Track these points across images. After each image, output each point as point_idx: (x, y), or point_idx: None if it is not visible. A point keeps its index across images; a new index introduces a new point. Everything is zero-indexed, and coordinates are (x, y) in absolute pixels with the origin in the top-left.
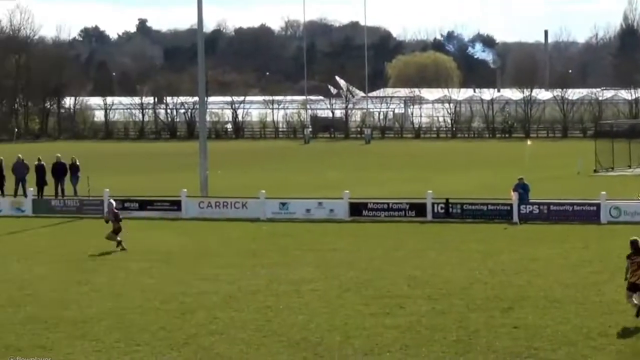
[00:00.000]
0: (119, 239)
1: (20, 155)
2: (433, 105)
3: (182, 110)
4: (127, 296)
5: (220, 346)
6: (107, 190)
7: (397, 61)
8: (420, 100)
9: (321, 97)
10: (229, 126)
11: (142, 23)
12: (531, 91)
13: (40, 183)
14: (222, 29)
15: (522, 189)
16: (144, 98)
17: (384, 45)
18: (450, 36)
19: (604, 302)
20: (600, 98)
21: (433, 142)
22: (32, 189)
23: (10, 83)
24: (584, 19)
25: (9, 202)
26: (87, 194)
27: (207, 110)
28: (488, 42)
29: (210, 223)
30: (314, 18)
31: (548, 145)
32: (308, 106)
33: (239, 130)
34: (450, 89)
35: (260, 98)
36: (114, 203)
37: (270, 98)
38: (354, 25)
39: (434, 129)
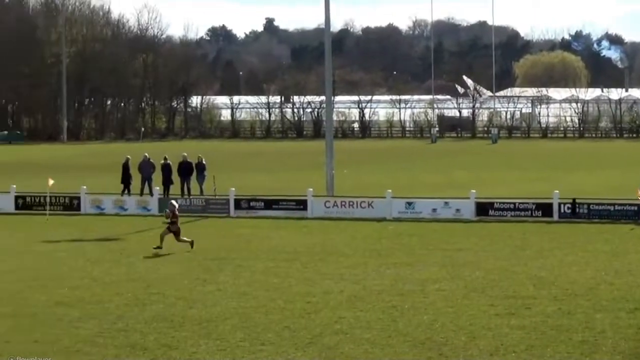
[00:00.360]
0: (185, 238)
1: (146, 154)
2: (560, 104)
3: (309, 110)
4: (252, 295)
5: (345, 346)
6: (233, 189)
7: (524, 60)
8: (547, 100)
9: (448, 97)
10: (356, 125)
11: (269, 22)
12: None
13: (166, 182)
14: (349, 28)
15: None
16: (270, 97)
17: (511, 45)
18: (578, 35)
19: None
20: None
21: (560, 141)
22: (158, 187)
23: (137, 82)
24: None
25: (135, 201)
26: (213, 193)
27: (334, 109)
28: (616, 41)
29: (336, 222)
30: (441, 17)
31: None
32: (435, 105)
33: (366, 129)
34: (577, 89)
35: (387, 97)
36: (176, 204)
37: (398, 97)
38: (482, 25)
39: (561, 128)
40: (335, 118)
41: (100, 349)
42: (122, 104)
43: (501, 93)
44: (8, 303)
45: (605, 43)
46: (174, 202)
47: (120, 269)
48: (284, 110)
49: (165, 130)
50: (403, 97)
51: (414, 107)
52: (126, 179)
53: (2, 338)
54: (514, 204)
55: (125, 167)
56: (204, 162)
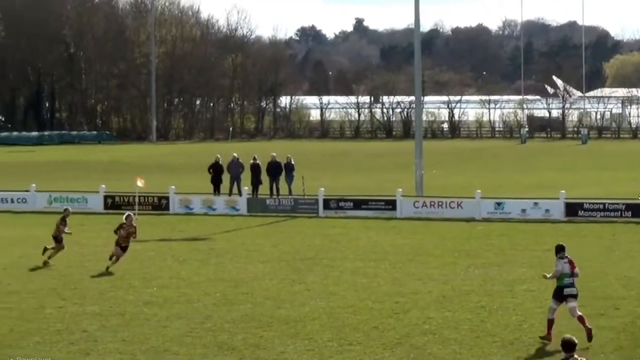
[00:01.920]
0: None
1: (235, 154)
2: None
3: (398, 110)
4: (341, 295)
5: (433, 346)
6: (322, 189)
7: (614, 61)
8: (638, 100)
9: (538, 97)
10: (445, 125)
11: (358, 22)
12: None
13: (255, 182)
14: (439, 28)
15: None
16: (360, 97)
17: (601, 45)
18: None
19: None
20: None
21: None
22: (246, 187)
23: (226, 82)
24: None
25: (224, 201)
26: (301, 193)
27: (423, 109)
28: None
29: (425, 222)
30: (531, 17)
31: None
32: (525, 106)
33: (455, 129)
34: None
35: (476, 97)
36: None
37: (487, 97)
38: (572, 25)
39: None
40: (424, 118)
41: (188, 348)
42: (211, 104)
43: (591, 93)
44: (97, 302)
45: None
46: (131, 214)
47: (208, 268)
48: (373, 110)
49: (254, 130)
50: (492, 97)
51: (503, 108)
52: (216, 179)
53: (91, 337)
54: (604, 204)
55: (216, 167)
56: (292, 162)
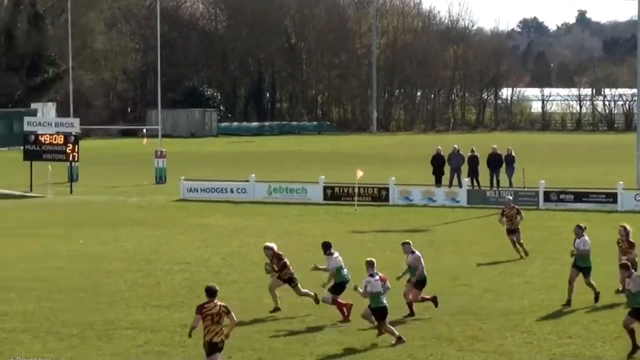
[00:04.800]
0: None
1: (456, 146)
2: None
3: (620, 102)
4: (560, 288)
5: None
6: (543, 181)
7: None
8: None
9: None
10: None
11: (581, 14)
12: None
13: (472, 174)
14: None
15: None
16: (581, 89)
17: None
18: None
19: None
20: None
21: None
22: (467, 179)
23: (448, 74)
24: None
25: (444, 193)
26: (522, 185)
27: None
28: None
29: None
30: None
31: None
32: None
33: None
34: None
35: None
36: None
37: None
38: None
39: None
40: None
41: (406, 339)
42: (432, 96)
43: None
44: (315, 290)
45: None
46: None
47: (427, 260)
48: (595, 102)
49: (475, 122)
50: None
51: None
52: (438, 171)
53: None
54: None
55: (437, 158)
56: (513, 154)
